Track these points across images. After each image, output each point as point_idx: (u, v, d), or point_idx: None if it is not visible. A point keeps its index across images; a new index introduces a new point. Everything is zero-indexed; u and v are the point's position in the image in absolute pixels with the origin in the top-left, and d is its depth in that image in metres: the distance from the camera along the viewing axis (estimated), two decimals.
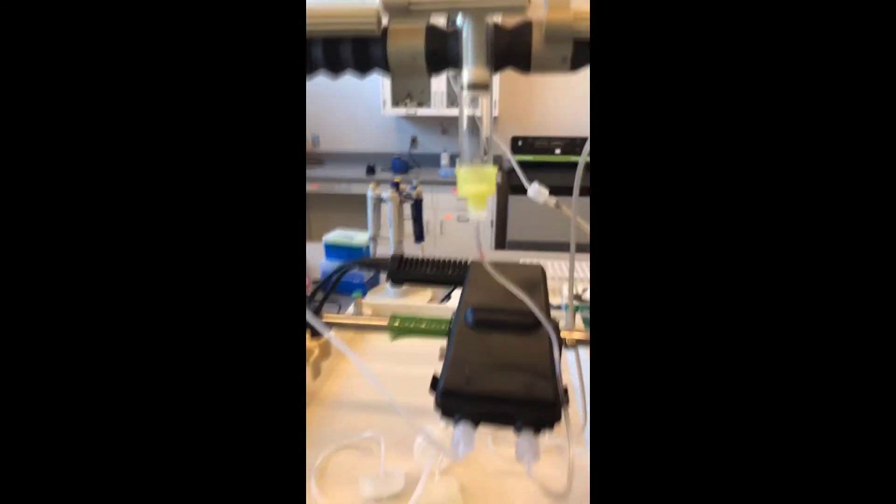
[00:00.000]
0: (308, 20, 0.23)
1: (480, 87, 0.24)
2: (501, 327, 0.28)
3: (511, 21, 0.24)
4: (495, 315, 0.29)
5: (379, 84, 2.54)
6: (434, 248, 1.02)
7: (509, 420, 0.24)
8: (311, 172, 2.67)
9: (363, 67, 0.25)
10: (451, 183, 2.44)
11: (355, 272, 0.93)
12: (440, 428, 0.46)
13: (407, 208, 0.96)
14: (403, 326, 0.34)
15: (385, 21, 0.24)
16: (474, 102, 0.24)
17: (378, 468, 0.43)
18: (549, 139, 2.60)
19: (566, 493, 0.25)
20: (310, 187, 2.64)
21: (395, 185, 0.93)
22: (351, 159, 2.87)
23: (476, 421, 0.24)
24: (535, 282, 0.33)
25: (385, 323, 0.35)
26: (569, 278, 0.28)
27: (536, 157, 2.61)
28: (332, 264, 0.91)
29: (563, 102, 2.69)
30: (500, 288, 0.34)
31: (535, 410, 0.23)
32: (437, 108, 2.56)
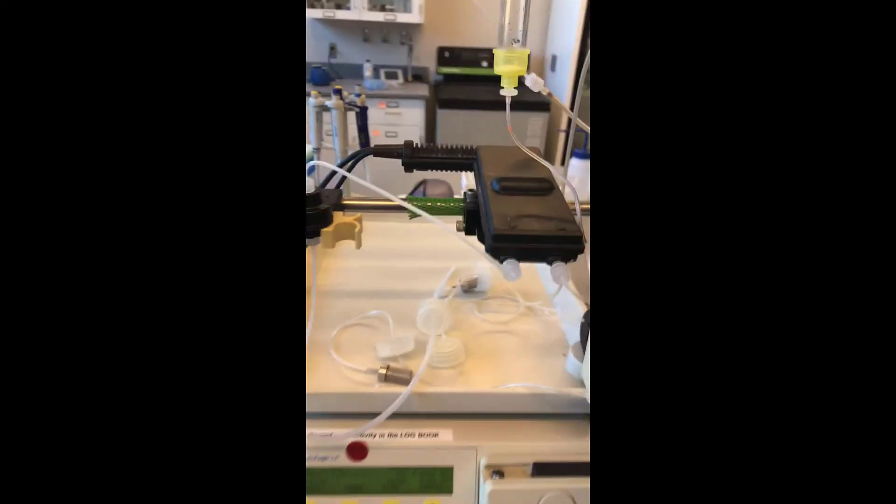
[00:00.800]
0: None
1: None
2: (523, 191, 0.35)
3: None
4: (516, 183, 0.35)
5: None
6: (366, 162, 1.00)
7: (543, 256, 0.31)
8: None
9: None
10: (378, 96, 2.35)
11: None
12: (438, 300, 0.53)
13: (351, 117, 0.94)
14: (422, 205, 0.39)
15: None
16: None
17: (388, 337, 0.49)
18: (477, 51, 2.56)
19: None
20: None
21: (338, 92, 0.90)
22: None
23: (519, 258, 0.31)
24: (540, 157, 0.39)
25: (404, 203, 0.40)
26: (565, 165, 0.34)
27: (463, 69, 2.57)
28: None
29: (491, 13, 2.63)
30: (510, 164, 0.40)
31: (567, 244, 0.30)
32: (358, 11, 2.38)
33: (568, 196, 0.35)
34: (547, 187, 0.35)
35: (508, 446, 0.41)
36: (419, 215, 0.39)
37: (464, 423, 0.43)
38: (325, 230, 0.35)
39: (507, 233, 0.30)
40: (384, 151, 0.41)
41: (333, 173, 0.40)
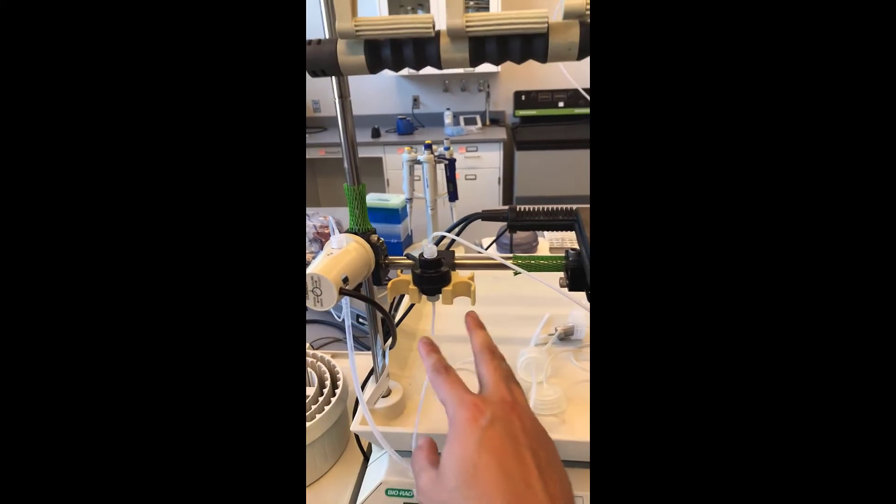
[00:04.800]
0: (377, 26, 0.28)
1: None
2: None
3: None
4: None
5: None
6: (445, 205, 1.05)
7: None
8: (314, 138, 2.67)
9: (420, 64, 0.31)
10: (458, 141, 2.48)
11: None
12: (537, 348, 0.56)
13: (440, 169, 1.02)
14: (526, 262, 0.43)
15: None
16: None
17: None
18: (552, 92, 2.62)
19: None
20: (317, 153, 2.65)
21: (429, 147, 0.98)
22: (354, 122, 2.87)
23: None
24: None
25: (508, 262, 0.44)
26: None
27: (540, 111, 2.63)
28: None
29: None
30: None
31: None
32: None
33: None
34: None
35: None
36: (520, 272, 0.43)
37: (568, 472, 0.45)
38: (445, 289, 0.40)
39: None
40: (492, 216, 0.45)
41: (449, 231, 0.46)
